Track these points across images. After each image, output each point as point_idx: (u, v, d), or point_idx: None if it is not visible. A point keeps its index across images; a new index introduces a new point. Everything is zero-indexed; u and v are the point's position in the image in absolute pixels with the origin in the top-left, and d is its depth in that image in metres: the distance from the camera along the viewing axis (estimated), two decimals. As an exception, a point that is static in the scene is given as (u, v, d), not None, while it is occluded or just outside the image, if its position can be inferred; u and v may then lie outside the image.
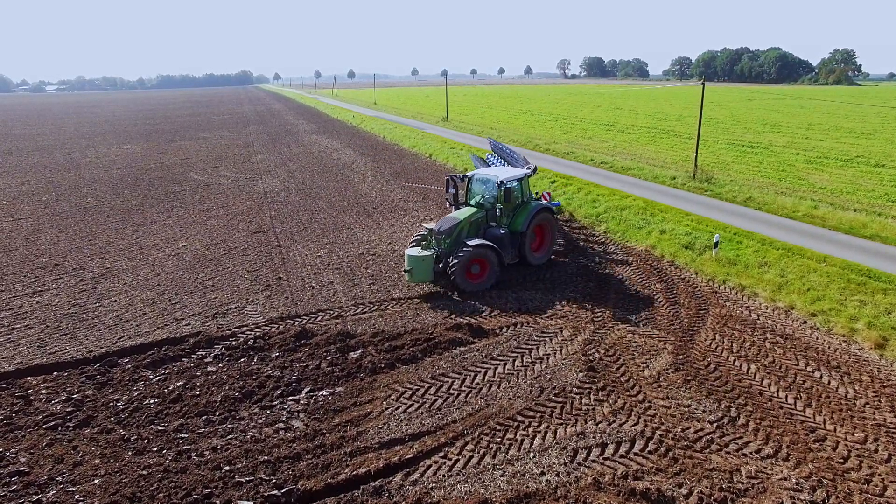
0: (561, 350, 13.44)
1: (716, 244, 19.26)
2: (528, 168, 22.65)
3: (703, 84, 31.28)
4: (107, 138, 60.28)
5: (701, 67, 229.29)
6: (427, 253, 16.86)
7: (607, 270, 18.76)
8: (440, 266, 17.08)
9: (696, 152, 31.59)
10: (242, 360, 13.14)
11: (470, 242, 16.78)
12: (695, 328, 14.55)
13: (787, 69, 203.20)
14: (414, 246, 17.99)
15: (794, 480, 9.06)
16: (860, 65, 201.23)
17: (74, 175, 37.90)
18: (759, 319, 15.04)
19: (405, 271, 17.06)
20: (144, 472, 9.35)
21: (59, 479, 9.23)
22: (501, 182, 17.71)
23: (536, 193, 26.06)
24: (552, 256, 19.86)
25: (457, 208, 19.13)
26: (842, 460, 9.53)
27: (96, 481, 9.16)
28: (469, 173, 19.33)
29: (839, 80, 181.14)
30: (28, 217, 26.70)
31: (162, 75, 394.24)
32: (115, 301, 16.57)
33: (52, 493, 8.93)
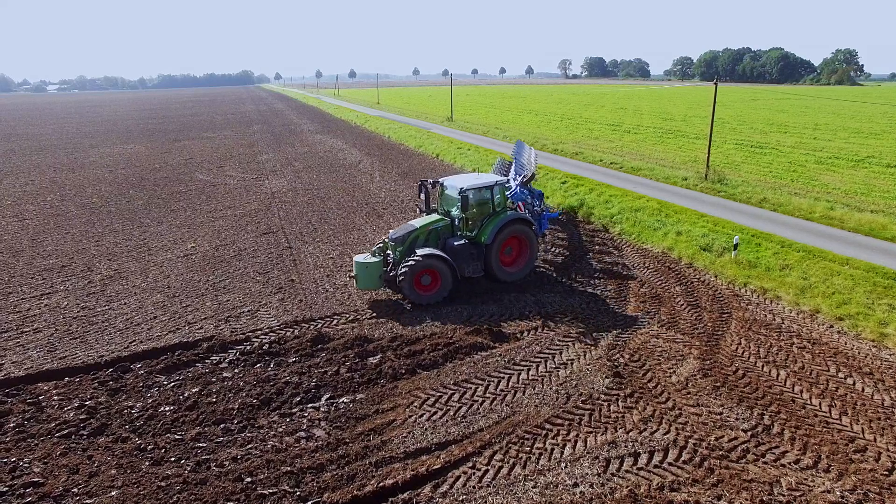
0: (585, 355, 13.11)
1: (735, 246, 18.92)
2: (528, 174, 22.11)
3: (715, 84, 30.93)
4: (110, 138, 59.95)
5: (703, 67, 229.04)
6: (373, 260, 16.12)
7: (625, 273, 18.41)
8: (391, 274, 16.31)
9: (709, 153, 31.24)
10: (258, 365, 12.80)
11: (419, 252, 15.94)
12: (719, 332, 14.21)
13: (789, 69, 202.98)
14: (366, 252, 17.36)
15: (837, 493, 8.73)
16: (862, 65, 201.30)
17: (78, 175, 37.58)
18: (783, 323, 14.70)
19: (350, 276, 16.63)
20: (163, 484, 9.02)
21: (76, 490, 8.90)
22: (462, 189, 16.65)
23: (546, 200, 25.60)
24: (535, 269, 18.51)
25: (428, 214, 18.22)
26: (886, 472, 9.19)
27: (113, 493, 8.83)
28: (441, 179, 18.34)
29: (841, 80, 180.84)
30: (33, 217, 26.37)
31: (163, 75, 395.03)
32: (125, 304, 16.24)
33: (68, 505, 8.61)
